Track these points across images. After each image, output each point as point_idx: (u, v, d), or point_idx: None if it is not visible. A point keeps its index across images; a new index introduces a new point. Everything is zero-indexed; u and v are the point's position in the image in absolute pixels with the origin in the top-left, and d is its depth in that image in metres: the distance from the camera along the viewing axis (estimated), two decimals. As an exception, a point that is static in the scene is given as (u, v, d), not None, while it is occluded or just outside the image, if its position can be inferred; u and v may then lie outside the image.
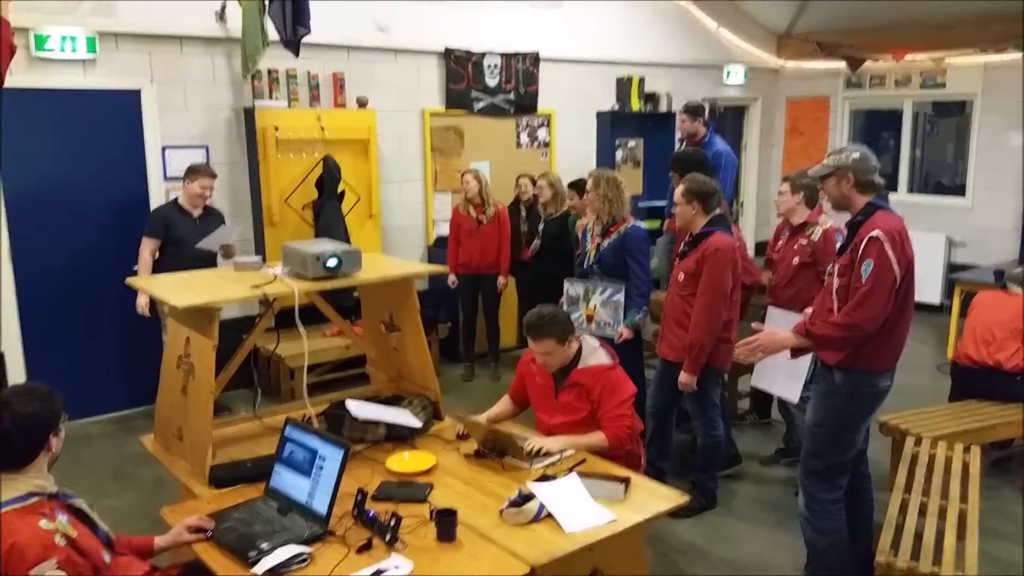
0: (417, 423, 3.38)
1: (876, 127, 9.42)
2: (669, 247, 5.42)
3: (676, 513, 3.58)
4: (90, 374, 5.49)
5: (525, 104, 7.46)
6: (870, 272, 2.98)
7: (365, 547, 2.51)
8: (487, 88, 7.19)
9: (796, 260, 4.51)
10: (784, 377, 4.26)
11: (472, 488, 2.94)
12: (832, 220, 4.41)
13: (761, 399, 5.36)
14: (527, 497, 2.74)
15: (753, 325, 3.47)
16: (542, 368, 3.48)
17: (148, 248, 5.10)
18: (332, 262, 3.23)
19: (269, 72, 5.93)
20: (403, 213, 6.90)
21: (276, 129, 5.79)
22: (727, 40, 9.03)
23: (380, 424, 3.32)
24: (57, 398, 2.31)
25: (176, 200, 5.28)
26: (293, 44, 5.44)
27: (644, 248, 4.56)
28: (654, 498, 2.89)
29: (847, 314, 3.03)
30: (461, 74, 7.03)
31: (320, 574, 2.38)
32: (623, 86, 7.97)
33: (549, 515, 2.69)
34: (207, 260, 5.08)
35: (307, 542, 2.51)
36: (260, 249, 5.91)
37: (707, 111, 5.85)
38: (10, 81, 4.62)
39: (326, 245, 3.39)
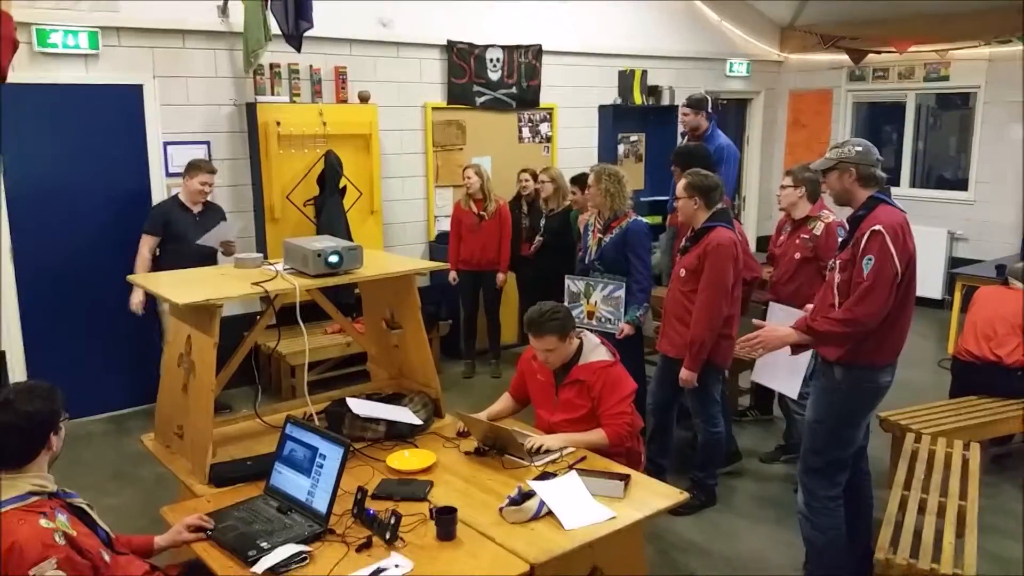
0: (418, 421, 3.38)
1: (879, 120, 9.40)
2: (671, 243, 5.41)
3: (676, 510, 3.58)
4: (91, 373, 5.50)
5: (527, 98, 7.44)
6: (871, 267, 2.97)
7: (365, 546, 2.52)
8: (489, 82, 7.18)
9: (798, 255, 4.50)
10: (784, 372, 4.26)
11: (472, 486, 2.95)
12: (834, 214, 4.40)
13: (763, 395, 5.36)
14: (527, 495, 2.74)
15: (754, 322, 3.47)
16: (543, 365, 3.48)
17: (147, 245, 5.10)
18: (333, 259, 3.23)
19: (271, 67, 5.92)
20: (405, 209, 6.90)
21: (278, 124, 5.79)
22: (730, 32, 9.00)
23: (380, 422, 3.32)
24: (58, 396, 2.32)
25: (176, 196, 5.28)
26: (295, 39, 5.44)
27: (645, 243, 4.55)
28: (654, 495, 2.89)
29: (848, 309, 3.02)
30: (463, 68, 7.01)
31: (320, 573, 2.38)
32: (625, 79, 7.95)
33: (549, 513, 2.69)
34: (208, 257, 5.08)
35: (307, 541, 2.52)
36: (261, 245, 5.91)
37: (709, 104, 5.82)
38: (12, 76, 4.62)
39: (327, 242, 3.39)
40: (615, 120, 8.00)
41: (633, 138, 8.30)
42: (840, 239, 3.77)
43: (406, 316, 3.67)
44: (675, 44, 8.48)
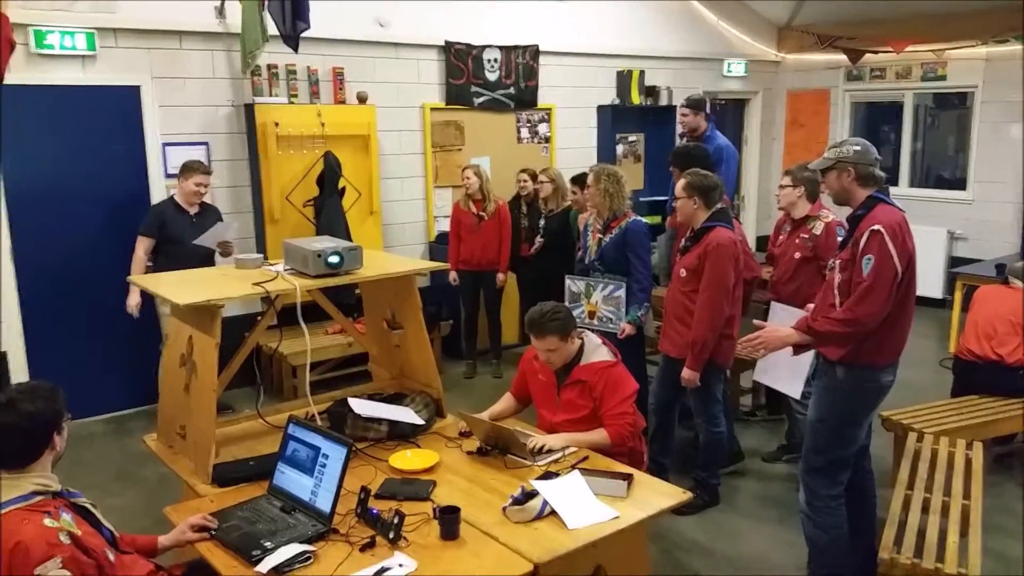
0: (419, 421, 3.38)
1: (877, 120, 9.41)
2: (669, 244, 5.41)
3: (679, 510, 3.58)
4: (93, 373, 5.49)
5: (525, 99, 7.44)
6: (871, 267, 2.97)
7: (368, 545, 2.51)
8: (487, 83, 7.18)
9: (798, 255, 4.50)
10: (786, 373, 4.27)
11: (475, 486, 2.94)
12: (833, 214, 4.40)
13: (771, 396, 5.34)
14: (530, 494, 2.74)
15: (755, 322, 3.47)
16: (544, 365, 3.48)
17: (143, 246, 5.09)
18: (334, 259, 3.22)
19: (269, 67, 5.91)
20: (404, 209, 6.89)
21: (276, 125, 5.78)
22: (727, 33, 9.01)
23: (383, 422, 3.32)
24: (60, 396, 2.31)
25: (172, 198, 5.26)
26: (292, 39, 5.43)
27: (645, 243, 4.55)
28: (657, 495, 2.89)
29: (849, 309, 3.02)
30: (461, 68, 7.01)
31: (324, 573, 2.38)
32: (623, 80, 7.96)
33: (552, 512, 2.69)
34: (205, 258, 5.08)
35: (310, 541, 2.51)
36: (261, 246, 5.90)
37: (708, 105, 5.83)
38: (9, 77, 4.62)
39: (327, 242, 3.39)
40: (613, 120, 8.00)
41: (631, 138, 8.30)
42: (840, 239, 3.78)
43: (407, 316, 3.67)
44: (673, 44, 8.48)
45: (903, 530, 3.18)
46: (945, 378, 5.30)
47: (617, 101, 7.98)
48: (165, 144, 5.66)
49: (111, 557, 2.26)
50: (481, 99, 7.17)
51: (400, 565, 2.41)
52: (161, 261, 5.05)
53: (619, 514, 2.70)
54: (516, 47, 7.29)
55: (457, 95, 7.03)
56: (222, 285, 3.23)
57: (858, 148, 3.13)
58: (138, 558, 2.43)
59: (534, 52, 7.40)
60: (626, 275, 4.48)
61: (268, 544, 2.47)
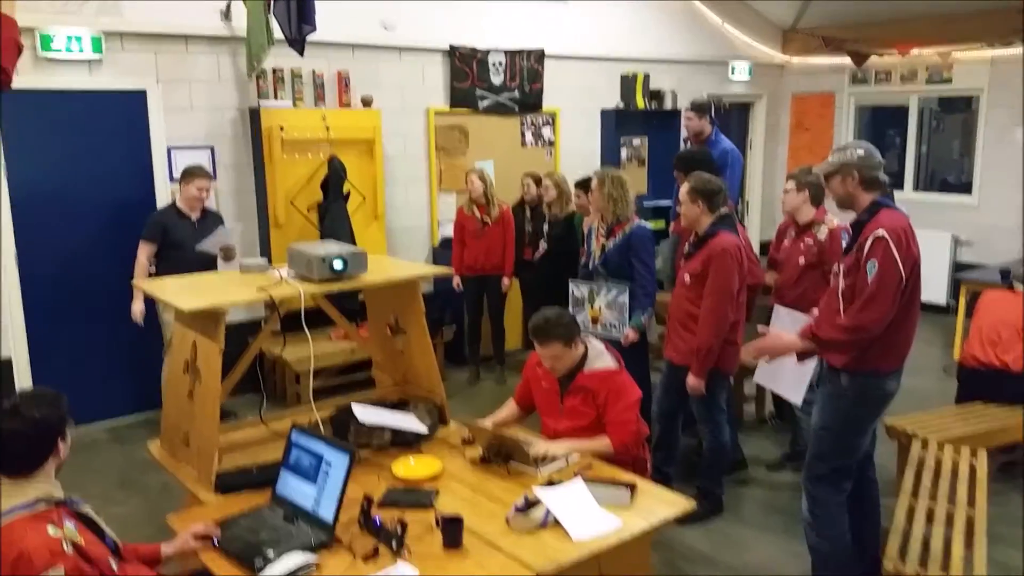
0: (423, 428, 3.37)
1: (882, 123, 9.39)
2: (673, 250, 5.40)
3: (683, 519, 3.56)
4: (96, 379, 5.50)
5: (530, 102, 7.44)
6: (875, 272, 2.96)
7: (371, 554, 2.50)
8: (492, 86, 7.18)
9: (802, 260, 4.49)
10: (789, 378, 4.24)
11: (478, 494, 2.94)
12: (838, 219, 4.39)
13: (781, 402, 5.31)
14: (533, 503, 2.73)
15: (759, 328, 3.45)
16: (548, 372, 3.47)
17: (144, 252, 5.08)
18: (338, 264, 3.22)
19: (274, 71, 5.92)
20: (408, 214, 6.89)
21: (281, 129, 5.78)
22: (732, 36, 9.00)
23: (386, 429, 3.31)
24: (64, 403, 2.31)
25: (174, 203, 5.26)
26: (298, 43, 5.44)
27: (649, 248, 4.54)
28: (661, 504, 2.88)
29: (853, 316, 3.01)
30: (466, 72, 7.01)
31: (326, 582, 2.38)
32: (628, 83, 7.95)
33: (556, 521, 2.68)
34: (207, 263, 5.07)
35: (313, 549, 2.51)
36: (265, 251, 5.90)
37: (712, 109, 5.81)
38: (16, 82, 4.63)
39: (332, 247, 3.39)
40: (618, 124, 7.99)
41: (636, 142, 8.29)
42: (844, 244, 3.76)
43: (410, 322, 3.67)
44: (677, 48, 8.47)
45: (907, 539, 3.17)
46: (949, 385, 5.26)
47: (621, 105, 7.97)
48: (170, 148, 5.67)
49: (114, 566, 2.26)
50: (485, 103, 7.16)
51: (403, 574, 2.41)
52: (163, 267, 5.04)
53: (622, 523, 2.70)
54: (521, 51, 7.29)
55: (462, 99, 7.03)
56: (226, 290, 3.24)
57: (862, 152, 3.12)
58: (141, 567, 2.43)
59: (539, 56, 7.40)
60: (630, 280, 4.47)
61: (271, 553, 2.46)
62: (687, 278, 4.05)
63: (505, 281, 6.20)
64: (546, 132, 7.67)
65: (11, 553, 2.07)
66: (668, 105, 8.20)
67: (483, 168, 6.35)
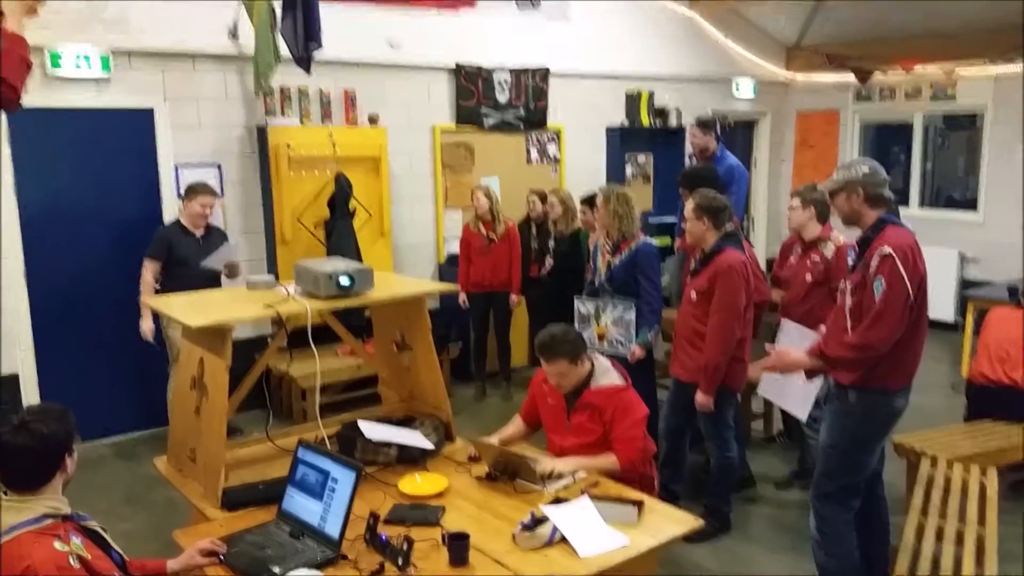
0: (429, 445, 3.36)
1: (886, 141, 9.40)
2: (680, 266, 5.40)
3: (690, 537, 3.54)
4: (102, 396, 5.49)
5: (535, 120, 7.48)
6: (882, 290, 2.96)
7: (378, 571, 2.49)
8: (497, 104, 7.22)
9: (809, 277, 4.49)
10: (794, 393, 4.23)
11: (485, 511, 2.92)
12: (844, 236, 4.39)
13: (791, 420, 5.29)
14: (540, 520, 2.72)
15: (767, 346, 3.45)
16: (554, 389, 3.46)
17: (150, 270, 5.08)
18: (345, 281, 3.23)
19: (281, 90, 5.96)
20: (414, 231, 6.91)
21: (288, 147, 5.82)
22: (736, 53, 9.04)
23: (392, 446, 3.30)
24: (71, 419, 2.31)
25: (178, 220, 5.28)
26: (305, 61, 5.47)
27: (655, 265, 4.54)
28: (668, 521, 2.86)
29: (860, 334, 3.00)
30: (471, 90, 7.05)
31: (333, 600, 2.37)
32: (632, 101, 7.98)
33: (563, 539, 2.67)
34: (212, 279, 5.10)
35: (319, 566, 2.50)
36: (272, 268, 5.92)
37: (718, 125, 5.83)
38: (25, 100, 4.66)
39: (339, 264, 3.39)
40: (623, 141, 8.03)
41: (641, 159, 8.31)
42: (850, 261, 3.76)
43: (416, 338, 3.67)
44: (681, 65, 8.52)
45: (917, 558, 3.14)
46: (958, 402, 5.25)
47: (626, 122, 8.01)
48: (178, 166, 5.71)
49: (120, 582, 2.25)
50: (491, 120, 7.20)
51: (409, 592, 2.40)
52: (168, 283, 5.04)
53: (629, 541, 2.68)
54: (526, 69, 7.33)
55: (467, 116, 7.07)
56: (233, 307, 3.25)
57: (867, 169, 3.13)
58: (147, 583, 2.42)
59: (543, 74, 7.44)
60: (636, 297, 4.47)
61: (277, 569, 2.46)
62: (693, 295, 4.05)
63: (514, 298, 6.20)
64: (551, 149, 7.70)
65: (18, 567, 2.07)
66: (673, 122, 8.23)
67: (489, 185, 6.37)
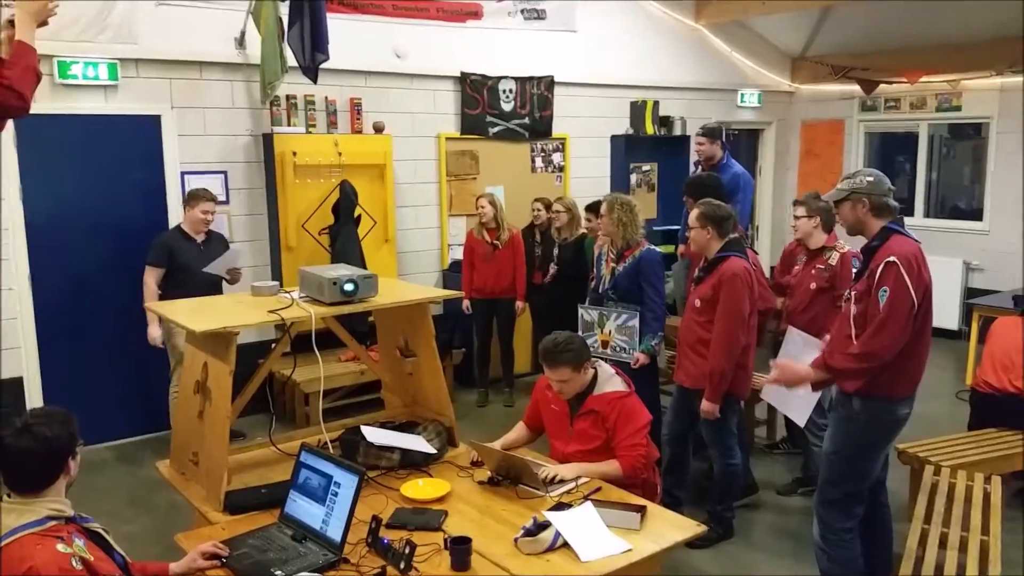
0: (431, 449, 3.37)
1: (891, 150, 9.40)
2: (684, 274, 5.40)
3: (693, 543, 3.55)
4: (104, 400, 5.51)
5: (540, 128, 7.50)
6: (887, 299, 2.96)
7: (380, 575, 2.50)
8: (502, 113, 7.24)
9: (813, 285, 4.50)
10: (798, 400, 4.21)
11: (487, 516, 2.93)
12: (849, 245, 4.39)
13: (795, 428, 5.28)
14: (542, 526, 2.72)
15: (771, 362, 3.44)
16: (557, 395, 3.47)
17: (152, 276, 5.09)
18: (349, 287, 3.24)
19: (287, 98, 5.99)
20: (418, 238, 6.93)
21: (294, 154, 5.85)
22: (741, 63, 9.06)
23: (395, 450, 3.31)
24: (74, 422, 2.33)
25: (179, 226, 5.30)
26: (311, 70, 5.51)
27: (659, 272, 4.55)
28: (670, 527, 2.86)
29: (865, 343, 3.01)
30: (476, 99, 7.08)
31: (334, 603, 2.37)
32: (637, 110, 8.00)
33: (565, 544, 2.67)
34: (214, 285, 5.11)
35: (322, 570, 2.51)
36: (277, 274, 5.94)
37: (724, 134, 5.84)
38: (33, 107, 4.70)
39: (343, 270, 3.41)
40: (627, 150, 8.04)
41: (645, 167, 8.33)
42: (855, 270, 3.76)
43: (420, 344, 3.68)
44: (686, 75, 8.53)
45: (920, 566, 3.13)
46: (962, 410, 5.23)
47: (631, 131, 8.02)
48: (184, 173, 5.74)
49: (122, 584, 2.26)
50: (496, 129, 7.23)
51: (411, 596, 2.40)
52: (170, 289, 5.06)
53: (632, 547, 2.68)
54: (531, 78, 7.36)
55: (472, 125, 7.10)
56: (237, 312, 3.26)
57: (871, 179, 3.14)
58: (149, 585, 2.43)
59: (549, 83, 7.47)
60: (640, 304, 4.47)
61: (279, 573, 2.46)
62: (697, 303, 4.05)
63: (519, 304, 6.22)
64: (556, 158, 7.72)
65: (21, 569, 2.07)
66: (677, 131, 8.24)
67: (493, 193, 6.39)
